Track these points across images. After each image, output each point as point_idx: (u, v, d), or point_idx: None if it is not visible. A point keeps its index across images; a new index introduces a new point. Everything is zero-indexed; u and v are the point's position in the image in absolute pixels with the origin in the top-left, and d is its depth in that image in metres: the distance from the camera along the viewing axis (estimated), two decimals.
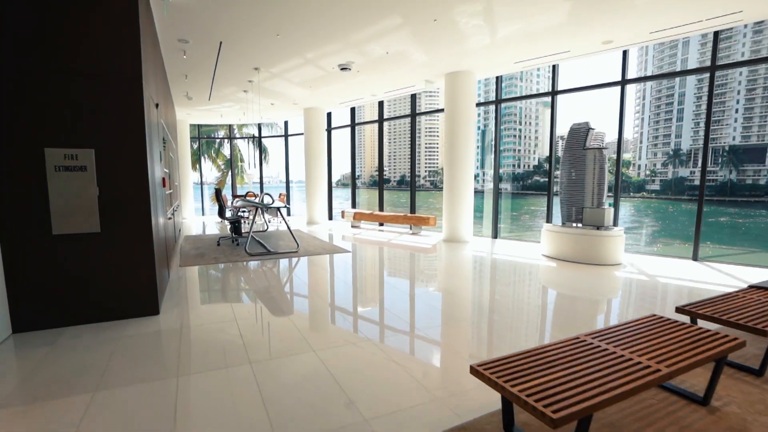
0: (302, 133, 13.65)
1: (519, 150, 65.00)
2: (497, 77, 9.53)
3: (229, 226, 9.41)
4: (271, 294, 5.09)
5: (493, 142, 10.65)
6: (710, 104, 7.59)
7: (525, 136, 64.70)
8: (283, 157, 14.74)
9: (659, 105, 56.51)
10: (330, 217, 13.58)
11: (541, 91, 9.40)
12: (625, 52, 8.13)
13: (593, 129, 7.38)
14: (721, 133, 51.80)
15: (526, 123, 65.21)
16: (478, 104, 9.61)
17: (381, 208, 12.10)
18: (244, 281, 5.77)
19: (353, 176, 13.13)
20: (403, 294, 5.24)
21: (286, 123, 14.65)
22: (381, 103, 11.99)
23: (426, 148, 62.50)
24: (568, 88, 9.13)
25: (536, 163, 66.94)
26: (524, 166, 64.06)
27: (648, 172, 56.10)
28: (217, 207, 12.19)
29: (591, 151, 7.30)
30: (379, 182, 12.10)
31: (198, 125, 15.63)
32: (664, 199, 52.66)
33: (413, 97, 11.14)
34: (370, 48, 7.28)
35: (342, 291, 5.45)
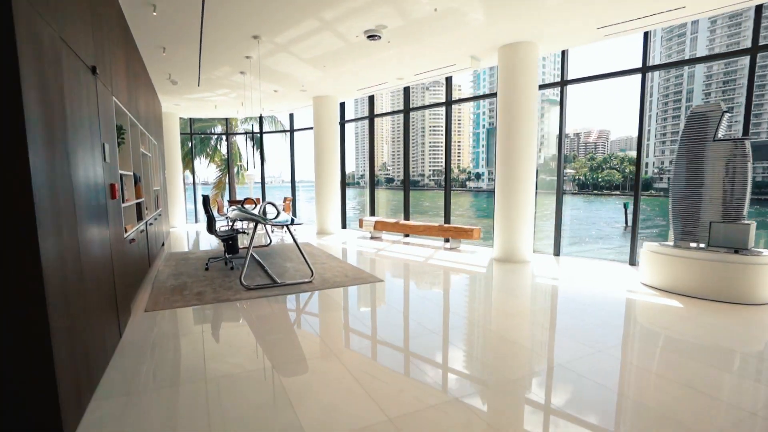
0: (311, 128, 11.45)
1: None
2: (563, 52, 7.34)
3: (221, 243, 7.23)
4: (286, 370, 2.90)
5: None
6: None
7: (451, 147, 62.61)
8: (288, 154, 12.55)
9: (666, 102, 54.36)
10: (344, 225, 11.38)
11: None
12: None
13: (727, 112, 5.20)
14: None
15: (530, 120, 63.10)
16: (541, 86, 7.40)
17: (407, 216, 9.92)
18: (238, 347, 3.57)
19: (372, 178, 10.94)
20: (495, 356, 3.05)
21: (291, 116, 12.44)
22: (407, 90, 9.78)
23: (430, 147, 60.34)
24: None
25: (542, 161, 64.85)
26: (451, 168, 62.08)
27: (656, 170, 54.00)
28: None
29: (723, 143, 5.12)
30: (405, 184, 9.89)
31: (190, 119, 13.37)
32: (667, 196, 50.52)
33: (448, 82, 8.93)
34: (412, 3, 5.09)
35: (391, 358, 3.24)
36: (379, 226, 9.48)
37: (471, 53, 7.14)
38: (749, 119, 5.71)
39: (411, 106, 9.81)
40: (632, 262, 6.84)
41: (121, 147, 5.00)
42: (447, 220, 9.10)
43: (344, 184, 11.02)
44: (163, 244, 8.57)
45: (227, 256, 6.70)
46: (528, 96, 6.85)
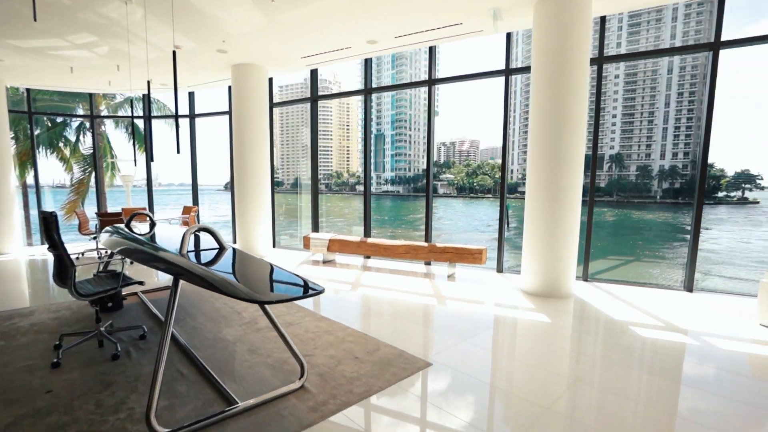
0: (224, 112, 8.03)
1: (409, 155, 63.50)
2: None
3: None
4: None
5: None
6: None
7: (414, 142, 63.38)
8: (185, 149, 8.75)
9: (527, 117, 59.73)
10: (274, 244, 8.08)
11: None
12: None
13: None
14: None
15: (414, 129, 63.96)
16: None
17: (367, 231, 7.17)
18: None
19: (315, 180, 7.89)
20: None
21: (191, 97, 8.68)
22: (368, 63, 7.05)
23: (321, 150, 57.03)
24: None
25: (424, 167, 66.37)
26: (415, 169, 62.71)
27: (520, 176, 58.94)
28: (76, 226, 6.79)
29: None
30: (366, 189, 7.12)
31: (27, 91, 8.60)
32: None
33: (431, 51, 6.45)
34: None
35: None
36: (336, 246, 6.56)
37: (494, 5, 4.78)
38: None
39: (373, 86, 7.10)
40: (499, 269, 6.01)
41: None
42: (428, 236, 6.63)
43: (273, 188, 7.78)
44: None
45: (101, 329, 3.27)
46: (578, 74, 4.71)
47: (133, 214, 4.12)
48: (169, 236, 3.47)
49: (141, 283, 3.42)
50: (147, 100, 8.81)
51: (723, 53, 4.88)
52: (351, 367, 2.95)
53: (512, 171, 59.95)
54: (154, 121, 9.07)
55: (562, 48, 4.67)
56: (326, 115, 57.91)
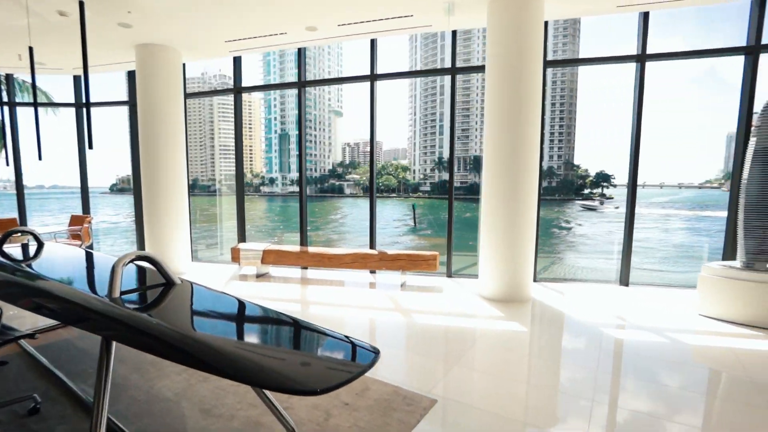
0: (125, 102, 6.63)
1: (315, 155, 61.99)
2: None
3: None
4: None
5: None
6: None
7: (319, 142, 62.08)
8: (73, 141, 7.00)
9: (426, 121, 62.35)
10: (192, 257, 6.81)
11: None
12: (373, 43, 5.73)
13: None
14: (469, 146, 60.07)
15: (320, 129, 62.63)
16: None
17: (304, 239, 6.39)
18: None
19: (240, 179, 6.81)
20: None
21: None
22: (302, 54, 6.25)
23: (221, 150, 52.68)
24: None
25: (330, 167, 65.38)
26: (320, 170, 61.40)
27: (421, 176, 61.28)
28: None
29: None
30: (301, 191, 6.30)
31: None
32: (435, 198, 58.37)
33: (372, 45, 5.92)
34: None
35: None
36: (271, 257, 5.69)
37: None
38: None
39: (378, 73, 6.34)
40: (449, 274, 5.86)
41: None
42: (372, 243, 6.11)
43: (189, 192, 6.55)
44: None
45: None
46: (532, 69, 4.60)
47: (9, 233, 2.93)
48: (73, 265, 2.46)
49: (32, 336, 2.36)
50: (32, 81, 6.90)
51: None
52: (345, 419, 2.33)
53: (414, 171, 62.28)
54: (16, 111, 7.05)
55: (516, 48, 4.52)
56: (226, 112, 53.74)
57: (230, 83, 6.67)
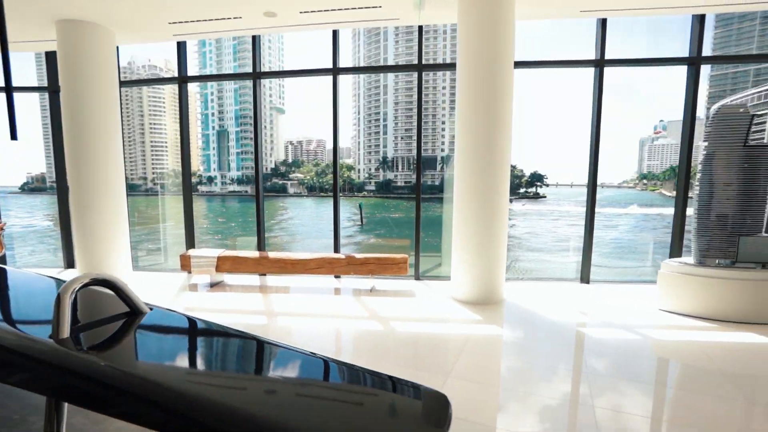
0: (45, 88, 5.73)
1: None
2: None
3: None
4: None
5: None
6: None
7: (261, 140, 59.78)
8: None
9: (370, 120, 62.30)
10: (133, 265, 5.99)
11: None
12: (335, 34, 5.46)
13: (757, 114, 4.34)
14: (412, 146, 60.85)
15: (260, 127, 60.24)
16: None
17: (261, 244, 5.88)
18: None
19: (187, 180, 6.13)
20: None
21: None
22: (256, 41, 5.72)
23: (152, 146, 48.60)
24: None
25: (273, 166, 63.17)
26: (263, 168, 59.08)
27: (366, 175, 61.18)
28: None
29: (755, 149, 4.23)
30: (257, 192, 5.81)
31: None
32: (380, 197, 58.59)
33: (335, 36, 5.54)
34: None
35: None
36: (227, 264, 5.14)
37: None
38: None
39: (262, 71, 5.81)
40: (417, 277, 5.64)
41: None
42: (337, 246, 5.76)
43: (125, 191, 5.76)
44: None
45: None
46: (505, 71, 4.51)
47: None
48: None
49: None
50: None
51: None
52: None
53: (359, 171, 62.03)
54: None
55: (488, 47, 4.41)
56: (158, 105, 49.72)
57: (163, 74, 5.96)
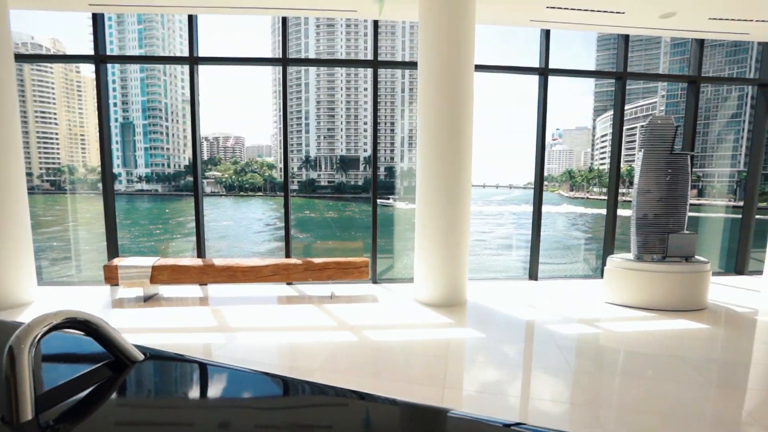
0: None
1: (168, 148, 54.11)
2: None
3: None
4: None
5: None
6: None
7: (173, 134, 54.42)
8: None
9: (292, 118, 60.25)
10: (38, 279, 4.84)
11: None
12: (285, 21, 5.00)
13: (680, 126, 4.76)
14: (335, 146, 60.36)
15: (173, 120, 54.89)
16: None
17: (201, 250, 5.15)
18: None
19: (106, 175, 5.13)
20: None
21: None
22: (192, 21, 4.97)
23: (39, 138, 41.60)
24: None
25: (187, 163, 58.08)
26: (175, 166, 53.85)
27: (289, 174, 59.09)
28: None
29: (679, 156, 4.65)
30: (195, 188, 5.06)
31: None
32: (304, 197, 56.99)
33: (284, 22, 5.04)
34: None
35: None
36: (165, 275, 4.40)
37: None
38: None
39: (199, 54, 5.10)
40: (375, 280, 5.82)
41: None
42: (288, 251, 5.28)
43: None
44: None
45: None
46: (467, 72, 4.45)
47: None
48: None
49: None
50: None
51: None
52: None
53: (280, 170, 59.76)
54: None
55: (449, 48, 4.31)
56: (44, 91, 42.71)
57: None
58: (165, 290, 4.75)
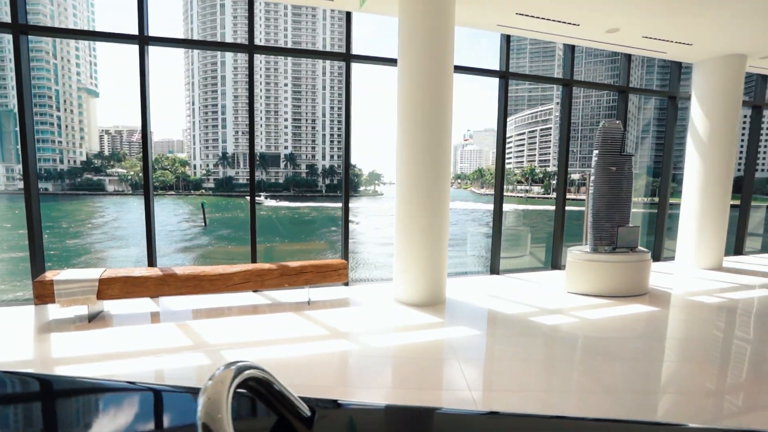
0: None
1: (61, 142, 46.55)
2: None
3: None
4: None
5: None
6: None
7: (67, 126, 46.98)
8: None
9: (206, 112, 55.92)
10: None
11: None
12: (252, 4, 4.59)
13: (627, 131, 5.20)
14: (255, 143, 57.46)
15: (66, 110, 47.31)
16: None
17: (152, 257, 4.41)
18: None
19: (29, 173, 4.10)
20: None
21: None
22: (142, 1, 4.21)
23: None
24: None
25: (84, 158, 50.53)
26: (70, 161, 46.50)
27: (204, 172, 54.72)
28: None
29: (626, 157, 5.11)
30: (147, 193, 4.32)
31: None
32: (222, 196, 53.18)
33: (251, 4, 4.51)
34: None
35: None
36: (116, 289, 3.67)
37: None
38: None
39: (151, 33, 4.35)
40: (346, 282, 6.02)
41: None
42: (254, 256, 4.77)
43: None
44: None
45: None
46: (446, 68, 4.41)
47: None
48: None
49: None
50: None
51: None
52: None
53: (195, 167, 55.17)
54: None
55: (431, 47, 4.25)
56: None
57: None
58: (112, 306, 4.00)
